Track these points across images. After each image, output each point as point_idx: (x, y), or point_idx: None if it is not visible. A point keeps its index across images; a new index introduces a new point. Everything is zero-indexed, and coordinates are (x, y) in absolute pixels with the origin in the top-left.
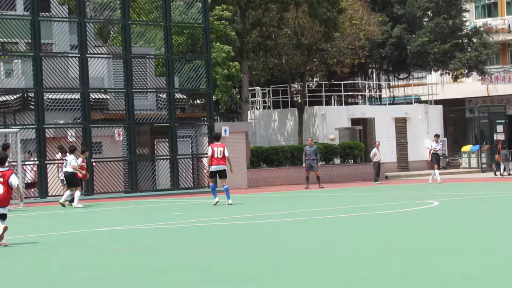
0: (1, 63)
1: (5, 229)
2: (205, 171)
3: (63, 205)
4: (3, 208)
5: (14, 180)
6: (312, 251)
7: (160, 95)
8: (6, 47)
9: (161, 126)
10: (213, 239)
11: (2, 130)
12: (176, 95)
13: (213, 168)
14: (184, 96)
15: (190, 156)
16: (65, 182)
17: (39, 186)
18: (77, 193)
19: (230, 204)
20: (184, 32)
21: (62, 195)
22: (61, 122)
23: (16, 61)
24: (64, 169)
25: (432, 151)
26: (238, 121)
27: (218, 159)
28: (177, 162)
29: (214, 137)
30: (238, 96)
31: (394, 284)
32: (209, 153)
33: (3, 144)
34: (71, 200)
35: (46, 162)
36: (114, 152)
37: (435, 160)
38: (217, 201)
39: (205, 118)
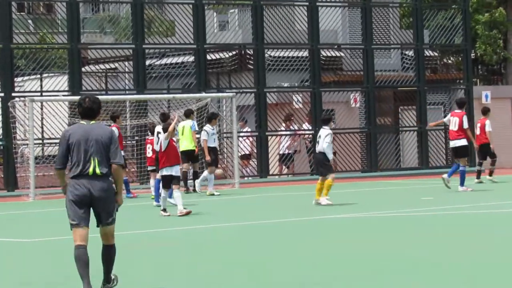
0: (214, 14)
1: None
2: None
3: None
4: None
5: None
6: None
7: (406, 52)
8: None
9: (407, 90)
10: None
11: (215, 94)
12: (426, 52)
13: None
14: (436, 54)
15: (443, 127)
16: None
17: (258, 162)
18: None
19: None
20: None
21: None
22: (285, 85)
23: (232, 11)
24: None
25: None
26: (502, 85)
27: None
28: (426, 135)
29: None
30: (502, 53)
31: None
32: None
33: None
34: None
35: (267, 133)
36: (349, 122)
37: None
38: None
39: (461, 81)
